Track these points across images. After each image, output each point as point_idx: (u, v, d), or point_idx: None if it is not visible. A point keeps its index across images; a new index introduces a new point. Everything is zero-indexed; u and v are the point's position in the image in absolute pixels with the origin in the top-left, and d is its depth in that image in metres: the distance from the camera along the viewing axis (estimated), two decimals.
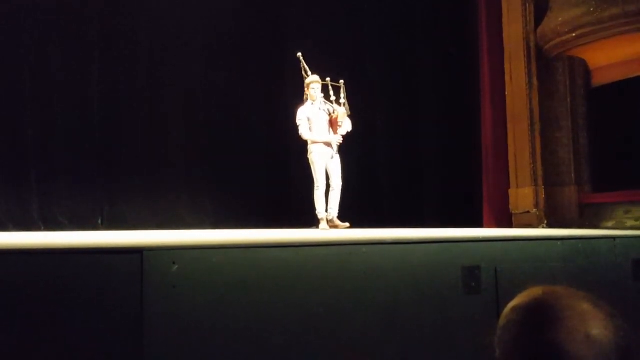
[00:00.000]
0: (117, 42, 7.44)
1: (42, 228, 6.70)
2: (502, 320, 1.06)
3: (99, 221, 7.09)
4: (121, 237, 4.23)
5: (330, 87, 6.23)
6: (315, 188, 6.07)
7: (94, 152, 7.20)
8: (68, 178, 6.98)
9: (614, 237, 3.92)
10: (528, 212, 7.87)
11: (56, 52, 7.09)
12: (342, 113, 6.14)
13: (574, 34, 7.27)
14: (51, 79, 7.05)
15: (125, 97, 7.43)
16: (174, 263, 2.51)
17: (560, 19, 7.41)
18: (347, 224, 5.99)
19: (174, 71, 7.61)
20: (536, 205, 7.79)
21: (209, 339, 2.55)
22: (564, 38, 7.44)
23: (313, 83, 6.16)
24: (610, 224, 7.14)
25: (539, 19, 7.89)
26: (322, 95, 6.21)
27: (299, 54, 6.28)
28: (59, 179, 6.97)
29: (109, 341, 2.41)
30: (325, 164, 6.10)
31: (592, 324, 0.98)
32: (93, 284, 2.43)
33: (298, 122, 6.13)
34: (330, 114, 6.19)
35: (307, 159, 6.16)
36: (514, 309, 1.05)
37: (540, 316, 1.01)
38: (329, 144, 6.12)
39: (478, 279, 3.21)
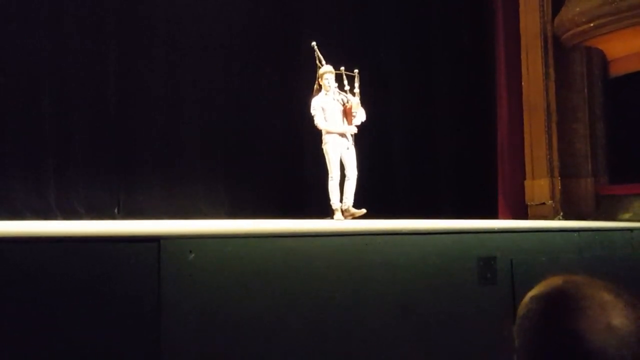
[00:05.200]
0: (134, 32, 7.47)
1: (59, 217, 6.77)
2: (522, 310, 1.06)
3: (116, 210, 7.15)
4: (138, 226, 4.26)
5: (344, 77, 6.21)
6: (330, 179, 6.06)
7: (111, 142, 7.25)
8: (85, 167, 7.05)
9: (631, 229, 3.90)
10: (544, 203, 7.81)
11: (74, 42, 7.14)
12: (356, 103, 6.12)
13: (591, 24, 7.18)
14: (69, 69, 7.11)
15: (142, 87, 7.47)
16: (190, 252, 2.53)
17: (578, 9, 7.33)
18: (363, 210, 5.97)
19: (190, 62, 7.64)
20: (552, 197, 7.73)
21: (225, 327, 2.57)
22: (581, 28, 7.34)
23: (326, 73, 6.14)
24: (627, 215, 7.07)
25: (556, 9, 7.80)
26: (336, 85, 6.19)
27: (314, 43, 6.26)
28: (76, 168, 7.04)
29: (126, 329, 2.44)
30: (340, 155, 6.08)
31: (613, 313, 0.97)
32: (111, 272, 2.45)
33: (313, 112, 6.12)
34: (344, 104, 6.17)
35: (322, 149, 6.15)
36: (533, 298, 1.05)
37: (560, 305, 1.00)
38: (343, 135, 6.10)
39: (494, 270, 3.21)
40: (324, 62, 6.22)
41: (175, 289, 2.49)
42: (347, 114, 6.15)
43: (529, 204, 8.06)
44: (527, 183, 8.13)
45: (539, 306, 1.03)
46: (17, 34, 6.86)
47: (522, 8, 8.25)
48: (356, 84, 6.16)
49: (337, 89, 6.18)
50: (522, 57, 8.22)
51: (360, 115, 6.15)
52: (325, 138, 6.09)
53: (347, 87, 6.19)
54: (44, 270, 2.39)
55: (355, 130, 6.12)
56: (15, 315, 2.33)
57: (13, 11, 6.84)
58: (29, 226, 4.48)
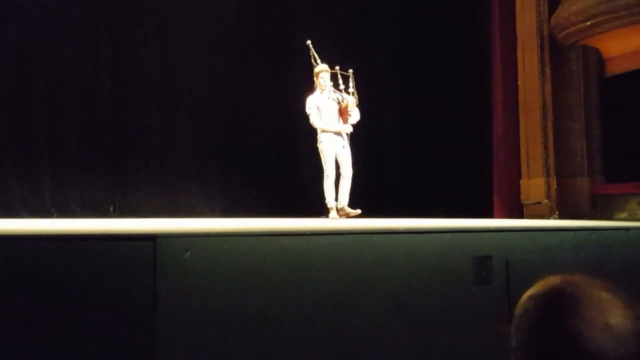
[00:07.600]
0: (127, 31, 7.45)
1: (55, 215, 6.75)
2: (519, 309, 1.05)
3: (111, 209, 7.14)
4: (134, 224, 4.25)
5: (339, 76, 6.21)
6: (325, 177, 6.06)
7: (106, 140, 7.24)
8: (81, 166, 7.04)
9: (627, 228, 3.90)
10: (539, 202, 7.82)
11: (68, 40, 7.11)
12: (351, 102, 6.12)
13: (588, 23, 7.19)
14: (64, 68, 7.08)
15: (137, 86, 7.45)
16: (186, 250, 2.52)
17: (574, 8, 7.34)
18: (359, 210, 5.98)
19: (185, 61, 7.63)
20: (548, 196, 7.73)
21: (221, 326, 2.56)
22: (577, 27, 7.36)
23: (322, 72, 6.14)
24: (623, 215, 7.09)
25: (552, 7, 7.81)
26: (332, 84, 6.19)
27: (309, 42, 6.26)
28: (72, 167, 7.02)
29: (121, 327, 2.43)
30: (335, 153, 6.08)
31: (611, 312, 0.97)
32: (106, 270, 2.44)
33: (308, 110, 6.12)
34: (339, 103, 6.18)
35: (317, 148, 6.15)
36: (531, 297, 1.05)
37: (558, 305, 1.00)
38: (338, 133, 6.11)
39: (489, 269, 3.20)
40: (319, 60, 6.22)
41: (170, 287, 2.48)
42: (342, 112, 6.16)
43: (524, 203, 8.07)
44: (523, 182, 8.13)
45: (536, 305, 1.03)
46: (10, 33, 6.83)
47: (518, 7, 8.26)
48: (350, 84, 6.18)
49: (332, 88, 6.18)
50: (518, 56, 8.23)
51: (355, 115, 6.16)
52: (321, 137, 6.09)
53: (342, 87, 6.20)
54: (39, 268, 2.38)
55: (350, 129, 6.13)
56: (9, 312, 2.31)
57: (5, 10, 6.80)
58: (25, 224, 4.47)
